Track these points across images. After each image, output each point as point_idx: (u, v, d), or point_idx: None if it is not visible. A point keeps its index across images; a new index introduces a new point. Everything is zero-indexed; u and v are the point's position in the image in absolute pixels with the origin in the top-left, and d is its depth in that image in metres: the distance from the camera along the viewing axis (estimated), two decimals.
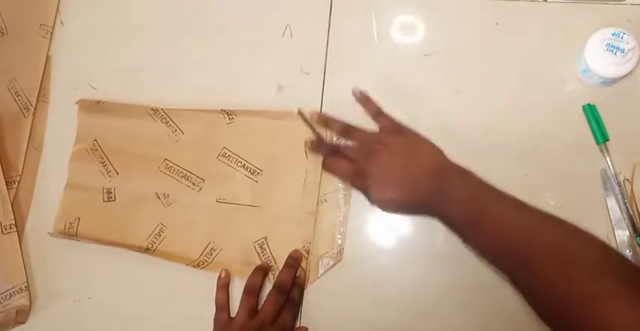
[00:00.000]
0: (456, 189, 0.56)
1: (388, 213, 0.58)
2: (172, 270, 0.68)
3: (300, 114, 0.64)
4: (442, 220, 0.56)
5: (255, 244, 0.67)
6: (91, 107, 0.73)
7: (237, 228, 0.68)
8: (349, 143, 0.61)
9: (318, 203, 0.67)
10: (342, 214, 0.68)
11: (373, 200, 0.57)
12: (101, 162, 0.71)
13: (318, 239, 0.67)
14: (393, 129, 0.61)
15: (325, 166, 0.62)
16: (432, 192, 0.56)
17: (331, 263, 0.66)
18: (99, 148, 0.72)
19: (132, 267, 0.69)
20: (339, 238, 0.67)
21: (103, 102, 0.73)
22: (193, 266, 0.67)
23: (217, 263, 0.67)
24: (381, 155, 0.58)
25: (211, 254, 0.67)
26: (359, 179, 0.58)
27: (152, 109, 0.71)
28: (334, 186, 0.68)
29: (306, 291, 0.67)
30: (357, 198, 0.67)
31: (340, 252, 0.67)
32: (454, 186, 0.56)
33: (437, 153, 0.58)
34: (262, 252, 0.67)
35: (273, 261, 0.67)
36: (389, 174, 0.57)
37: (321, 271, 0.66)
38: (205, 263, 0.67)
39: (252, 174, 0.69)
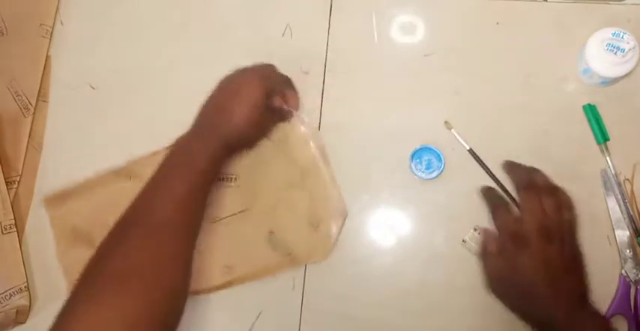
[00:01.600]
0: (594, 322, 0.56)
1: (505, 290, 0.59)
2: None
3: (472, 153, 0.65)
4: None
5: (265, 241, 0.67)
6: (55, 200, 0.71)
7: (242, 236, 0.68)
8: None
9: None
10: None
11: (511, 268, 0.57)
12: (89, 244, 0.69)
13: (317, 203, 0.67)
14: (574, 216, 0.60)
15: (495, 215, 0.62)
16: (570, 307, 0.55)
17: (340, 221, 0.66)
18: (80, 234, 0.70)
19: None
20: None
21: (65, 189, 0.71)
22: (219, 290, 0.67)
23: (239, 278, 0.67)
24: (553, 244, 0.57)
25: (230, 273, 0.67)
26: (514, 243, 0.57)
27: (113, 172, 0.70)
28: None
29: (306, 291, 0.67)
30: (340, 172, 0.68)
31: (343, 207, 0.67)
32: (593, 317, 0.56)
33: (587, 277, 0.58)
34: (276, 244, 0.67)
35: (289, 250, 0.67)
36: (549, 263, 0.56)
37: (334, 231, 0.66)
38: (229, 284, 0.67)
39: (230, 181, 0.68)
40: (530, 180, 0.61)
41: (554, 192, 0.60)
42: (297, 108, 0.69)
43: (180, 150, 0.61)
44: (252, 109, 0.61)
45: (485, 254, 0.61)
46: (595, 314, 0.57)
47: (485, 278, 0.61)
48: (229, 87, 0.63)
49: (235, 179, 0.69)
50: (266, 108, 0.63)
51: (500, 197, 0.64)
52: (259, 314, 0.67)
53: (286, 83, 0.68)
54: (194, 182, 0.58)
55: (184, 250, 0.56)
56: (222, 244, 0.68)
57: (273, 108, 0.66)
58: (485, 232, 0.62)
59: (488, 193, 0.64)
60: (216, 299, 0.67)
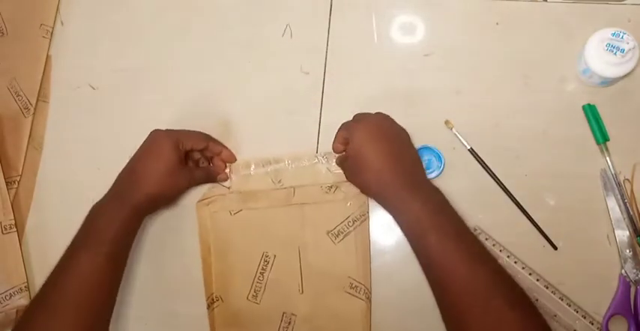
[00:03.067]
0: (434, 195, 0.58)
1: (355, 173, 0.62)
2: (172, 271, 0.69)
3: (473, 152, 0.66)
4: (405, 214, 0.57)
5: None
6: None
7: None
8: None
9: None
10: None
11: (352, 148, 0.60)
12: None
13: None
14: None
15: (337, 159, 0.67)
16: (411, 179, 0.58)
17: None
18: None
19: (131, 267, 0.69)
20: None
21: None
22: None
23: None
24: (380, 116, 0.62)
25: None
26: (349, 129, 0.61)
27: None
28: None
29: None
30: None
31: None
32: (433, 191, 0.59)
33: (420, 158, 0.64)
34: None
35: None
36: (381, 129, 0.61)
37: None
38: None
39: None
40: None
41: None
42: (229, 160, 0.69)
43: (91, 220, 0.62)
44: (161, 175, 0.62)
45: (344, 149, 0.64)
46: (434, 186, 0.60)
47: (346, 170, 0.64)
48: (141, 153, 0.64)
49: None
50: (181, 170, 0.64)
51: None
52: None
53: (205, 140, 0.67)
54: (102, 253, 0.59)
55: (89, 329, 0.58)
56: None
57: (193, 169, 0.67)
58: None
59: None
60: None
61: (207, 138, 0.68)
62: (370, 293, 0.65)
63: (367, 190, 0.63)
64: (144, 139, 0.65)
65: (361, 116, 0.63)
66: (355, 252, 0.65)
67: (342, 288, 0.65)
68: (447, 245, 0.54)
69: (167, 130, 0.66)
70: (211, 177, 0.69)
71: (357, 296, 0.65)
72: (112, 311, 0.61)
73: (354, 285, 0.65)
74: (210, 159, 0.70)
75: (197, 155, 0.69)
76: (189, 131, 0.67)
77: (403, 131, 0.63)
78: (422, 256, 0.56)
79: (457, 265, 0.53)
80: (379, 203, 0.61)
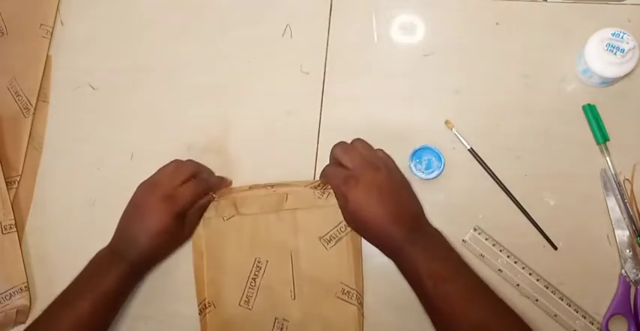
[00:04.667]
0: (432, 241, 0.59)
1: (355, 227, 0.61)
2: (173, 272, 0.68)
3: (473, 152, 0.66)
4: (404, 262, 0.58)
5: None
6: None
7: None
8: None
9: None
10: None
11: (350, 207, 0.59)
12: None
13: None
14: (391, 159, 0.64)
15: (323, 172, 0.64)
16: (409, 229, 0.58)
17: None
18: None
19: None
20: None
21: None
22: None
23: None
24: (380, 171, 0.60)
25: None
26: (347, 184, 0.59)
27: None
28: None
29: None
30: None
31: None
32: (430, 237, 0.59)
33: (420, 204, 0.63)
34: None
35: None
36: (380, 189, 0.59)
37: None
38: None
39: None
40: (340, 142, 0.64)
41: (361, 140, 0.64)
42: (221, 185, 0.68)
43: (92, 268, 0.62)
44: (157, 237, 0.61)
45: (345, 181, 0.61)
46: (433, 231, 0.61)
47: (345, 219, 0.63)
48: (135, 209, 0.63)
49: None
50: (180, 230, 0.64)
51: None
52: None
53: (204, 190, 0.66)
54: (99, 303, 0.60)
55: None
56: None
57: (189, 216, 0.65)
58: (332, 165, 0.64)
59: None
60: None
61: (205, 186, 0.66)
62: (362, 298, 0.65)
63: (368, 240, 0.63)
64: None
65: (359, 171, 0.59)
66: (347, 258, 0.65)
67: (334, 294, 0.65)
68: (443, 288, 0.56)
69: (167, 193, 0.62)
70: (204, 209, 0.68)
71: (349, 302, 0.65)
72: None
73: (346, 291, 0.65)
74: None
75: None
76: (188, 191, 0.63)
77: (401, 179, 0.63)
78: (422, 301, 0.58)
79: (456, 308, 0.55)
80: (380, 250, 0.61)
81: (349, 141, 0.64)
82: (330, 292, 0.65)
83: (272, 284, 0.66)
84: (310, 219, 0.66)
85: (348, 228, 0.66)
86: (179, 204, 0.62)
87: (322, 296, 0.65)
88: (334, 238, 0.66)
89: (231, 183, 0.69)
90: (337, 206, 0.63)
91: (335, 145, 0.63)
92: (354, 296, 0.65)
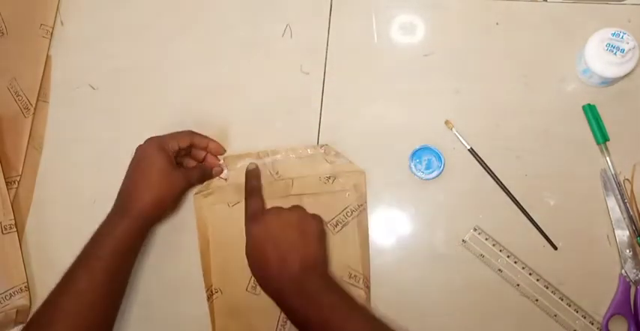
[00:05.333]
0: (322, 288, 0.57)
1: (251, 266, 0.60)
2: (172, 271, 0.69)
3: (473, 153, 0.66)
4: (292, 308, 0.57)
5: None
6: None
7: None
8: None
9: None
10: None
11: (250, 248, 0.60)
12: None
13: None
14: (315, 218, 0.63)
15: (247, 186, 0.66)
16: (299, 278, 0.57)
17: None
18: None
19: None
20: None
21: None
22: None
23: None
24: (292, 214, 0.60)
25: None
26: (251, 221, 0.61)
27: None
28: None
29: None
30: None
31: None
32: (321, 284, 0.58)
33: (317, 246, 0.60)
34: None
35: None
36: (283, 226, 0.59)
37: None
38: None
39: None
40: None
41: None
42: (218, 151, 0.69)
43: (100, 228, 0.62)
44: (155, 179, 0.63)
45: (248, 220, 0.63)
46: (325, 279, 0.59)
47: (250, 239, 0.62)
48: (131, 166, 0.65)
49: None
50: (174, 171, 0.64)
51: (259, 180, 0.67)
52: None
53: (189, 136, 0.67)
54: (100, 270, 0.60)
55: None
56: None
57: (187, 169, 0.67)
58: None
59: (252, 172, 0.67)
60: None
61: (191, 134, 0.68)
62: (369, 282, 0.65)
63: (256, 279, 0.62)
64: (143, 137, 0.65)
65: (273, 210, 0.62)
66: (353, 242, 0.65)
67: (341, 278, 0.65)
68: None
69: (150, 138, 0.65)
70: (207, 174, 0.68)
71: (356, 286, 0.65)
72: (112, 327, 0.61)
73: (353, 275, 0.65)
74: (202, 160, 0.70)
75: (190, 162, 0.69)
76: (171, 133, 0.67)
77: (315, 231, 0.61)
78: None
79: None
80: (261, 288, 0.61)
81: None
82: (337, 276, 0.65)
83: None
84: (316, 204, 0.66)
85: (355, 213, 0.66)
86: (161, 138, 0.65)
87: None
88: (340, 223, 0.66)
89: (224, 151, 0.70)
90: (343, 191, 0.64)
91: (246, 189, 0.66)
92: (361, 280, 0.65)
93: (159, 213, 0.66)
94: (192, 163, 0.69)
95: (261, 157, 0.69)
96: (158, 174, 0.63)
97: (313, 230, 0.61)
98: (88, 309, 0.59)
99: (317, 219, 0.62)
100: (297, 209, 0.62)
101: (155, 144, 0.64)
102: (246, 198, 0.65)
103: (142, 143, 0.65)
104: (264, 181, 0.68)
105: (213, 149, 0.69)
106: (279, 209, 0.62)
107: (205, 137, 0.69)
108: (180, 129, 0.68)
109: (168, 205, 0.66)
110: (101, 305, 0.60)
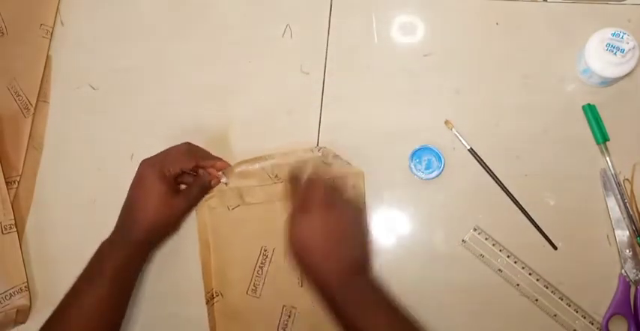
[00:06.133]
0: (367, 287, 0.57)
1: (294, 256, 0.58)
2: (172, 271, 0.69)
3: (473, 153, 0.66)
4: (334, 301, 0.56)
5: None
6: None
7: None
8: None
9: None
10: None
11: (290, 242, 0.57)
12: None
13: None
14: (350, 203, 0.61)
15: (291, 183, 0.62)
16: (346, 275, 0.56)
17: None
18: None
19: None
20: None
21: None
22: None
23: None
24: (332, 212, 0.57)
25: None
26: (299, 213, 0.58)
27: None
28: None
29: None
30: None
31: None
32: (367, 283, 0.57)
33: (368, 248, 0.59)
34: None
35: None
36: (324, 231, 0.57)
37: None
38: None
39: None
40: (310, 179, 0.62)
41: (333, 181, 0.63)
42: (224, 168, 0.67)
43: (95, 257, 0.62)
44: (155, 206, 0.62)
45: (294, 213, 0.60)
46: (370, 280, 0.57)
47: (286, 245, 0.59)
48: (133, 187, 0.64)
49: None
50: (174, 197, 0.64)
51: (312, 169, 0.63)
52: None
53: (193, 159, 0.66)
54: (104, 289, 0.60)
55: None
56: None
57: (187, 189, 0.67)
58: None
59: (298, 167, 0.64)
60: None
61: (194, 154, 0.66)
62: None
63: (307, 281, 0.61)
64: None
65: (311, 208, 0.58)
66: None
67: None
68: None
69: (151, 159, 0.64)
70: (206, 187, 0.68)
71: None
72: None
73: None
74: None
75: (188, 178, 0.68)
76: (175, 152, 0.65)
77: (353, 224, 0.60)
78: None
79: None
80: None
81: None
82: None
83: (279, 272, 0.66)
84: None
85: None
86: (163, 163, 0.63)
87: None
88: None
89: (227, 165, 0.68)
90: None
91: (305, 181, 0.62)
92: None
93: (157, 239, 0.67)
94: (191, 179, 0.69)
95: (259, 162, 0.68)
96: (159, 202, 0.63)
97: (365, 228, 0.61)
98: (93, 327, 0.59)
99: (356, 212, 0.61)
100: (352, 204, 0.61)
101: (156, 169, 0.63)
102: (292, 189, 0.62)
103: (144, 161, 0.64)
104: (262, 185, 0.68)
105: (219, 167, 0.68)
106: (336, 200, 0.59)
107: (210, 158, 0.68)
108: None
109: (169, 230, 0.67)
110: (106, 322, 0.61)
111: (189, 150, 0.66)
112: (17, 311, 0.68)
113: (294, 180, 0.62)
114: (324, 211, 0.58)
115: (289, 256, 0.58)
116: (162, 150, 0.66)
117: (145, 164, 0.64)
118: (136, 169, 0.65)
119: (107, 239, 0.63)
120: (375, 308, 0.55)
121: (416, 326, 0.55)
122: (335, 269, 0.56)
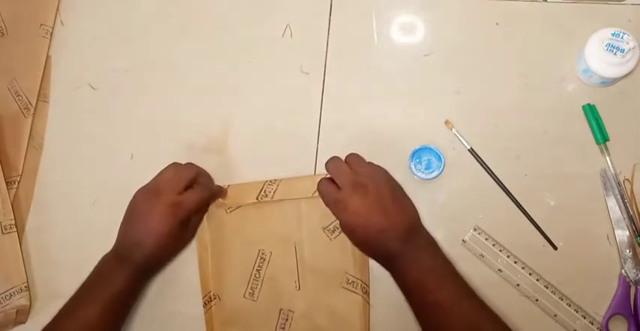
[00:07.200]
0: (422, 253, 0.59)
1: (352, 243, 0.61)
2: (172, 271, 0.68)
3: (473, 153, 0.66)
4: (395, 273, 0.59)
5: None
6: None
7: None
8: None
9: None
10: None
11: (343, 227, 0.60)
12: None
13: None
14: (383, 171, 0.63)
15: (318, 186, 0.63)
16: (401, 240, 0.58)
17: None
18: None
19: None
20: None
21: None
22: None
23: None
24: (368, 192, 0.59)
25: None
26: (337, 208, 0.60)
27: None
28: None
29: None
30: None
31: None
32: (419, 247, 0.59)
33: (415, 213, 0.62)
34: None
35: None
36: (368, 210, 0.58)
37: None
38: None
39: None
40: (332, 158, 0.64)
41: (353, 156, 0.64)
42: (219, 194, 0.67)
43: (98, 273, 0.62)
44: (163, 239, 0.61)
45: (335, 204, 0.61)
46: (424, 239, 0.61)
47: (342, 227, 0.61)
48: (138, 215, 0.62)
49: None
50: (184, 234, 0.64)
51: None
52: None
53: (207, 198, 0.66)
54: (108, 308, 0.60)
55: None
56: None
57: (194, 222, 0.66)
58: (325, 184, 0.62)
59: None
60: None
61: (210, 193, 0.66)
62: (368, 287, 0.65)
63: (366, 255, 0.64)
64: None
65: (347, 194, 0.59)
66: (351, 248, 0.65)
67: (339, 284, 0.65)
68: (427, 299, 0.57)
69: (171, 204, 0.61)
70: (206, 208, 0.68)
71: (354, 292, 0.65)
72: None
73: (350, 281, 0.65)
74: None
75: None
76: (192, 196, 0.63)
77: (392, 192, 0.61)
78: (412, 311, 0.59)
79: (441, 319, 0.56)
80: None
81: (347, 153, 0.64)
82: (334, 282, 0.65)
83: (276, 276, 0.66)
84: (313, 209, 0.66)
85: None
86: (184, 210, 0.62)
87: (327, 286, 0.65)
88: (338, 228, 0.66)
89: (226, 191, 0.69)
90: None
91: (328, 161, 0.63)
92: (359, 285, 0.65)
93: (159, 266, 0.67)
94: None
95: (261, 199, 0.68)
96: (168, 235, 0.61)
97: (396, 195, 0.61)
98: None
99: (389, 180, 0.62)
100: (376, 168, 0.62)
101: (172, 210, 0.61)
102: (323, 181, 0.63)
103: (156, 194, 0.62)
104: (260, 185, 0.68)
105: (221, 197, 0.68)
106: (351, 191, 0.59)
107: (217, 192, 0.67)
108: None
109: (171, 259, 0.67)
110: None
111: (204, 188, 0.65)
112: (17, 311, 0.68)
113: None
114: (357, 196, 0.59)
115: (351, 242, 0.61)
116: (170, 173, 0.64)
117: (166, 205, 0.61)
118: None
119: (109, 255, 0.63)
120: (430, 265, 0.58)
121: (463, 291, 0.58)
122: (393, 237, 0.58)
